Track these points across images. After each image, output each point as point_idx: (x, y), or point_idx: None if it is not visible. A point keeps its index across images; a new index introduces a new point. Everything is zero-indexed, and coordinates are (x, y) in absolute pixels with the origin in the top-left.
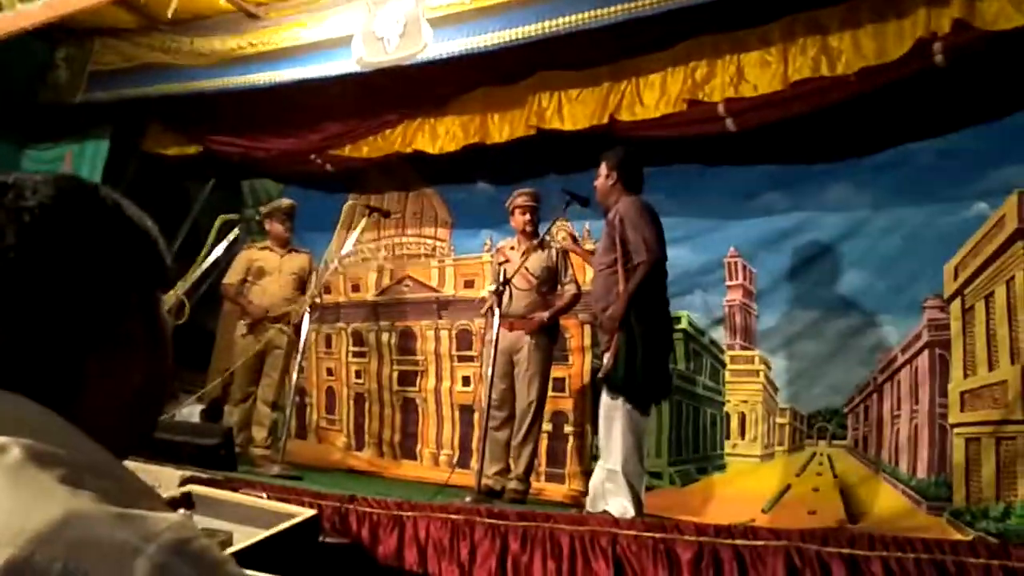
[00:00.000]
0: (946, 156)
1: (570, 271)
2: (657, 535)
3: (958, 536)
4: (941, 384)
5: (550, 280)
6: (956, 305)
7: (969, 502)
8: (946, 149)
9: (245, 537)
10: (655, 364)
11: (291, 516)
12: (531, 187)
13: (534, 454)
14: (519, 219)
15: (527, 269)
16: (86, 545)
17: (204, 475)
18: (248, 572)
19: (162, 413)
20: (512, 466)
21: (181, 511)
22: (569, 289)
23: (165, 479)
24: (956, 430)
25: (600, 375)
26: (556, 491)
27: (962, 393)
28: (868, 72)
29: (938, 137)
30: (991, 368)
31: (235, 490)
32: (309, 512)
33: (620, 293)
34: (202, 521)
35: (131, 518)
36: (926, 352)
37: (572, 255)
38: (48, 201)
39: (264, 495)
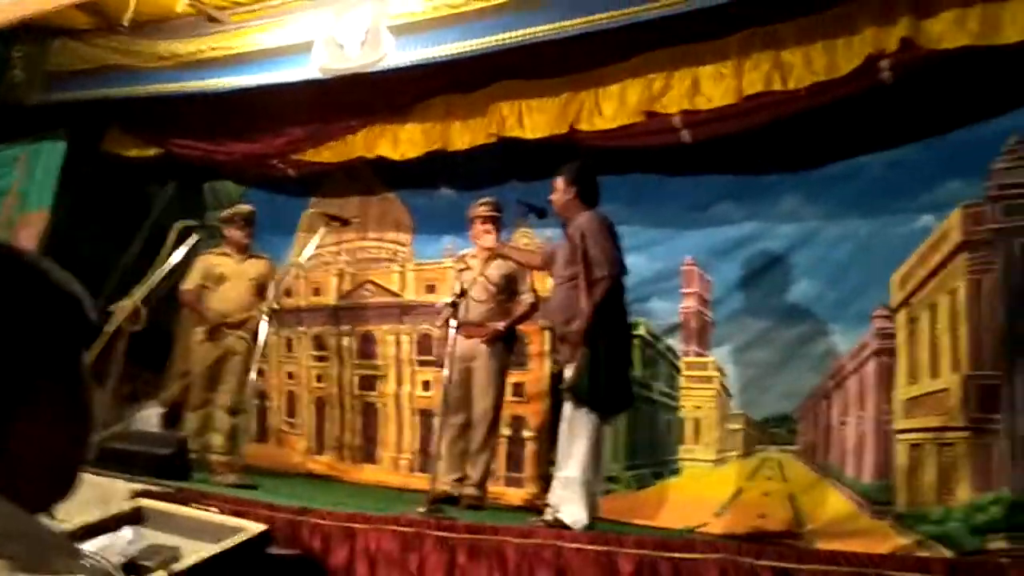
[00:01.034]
0: (894, 169)
1: (528, 280)
2: (600, 547)
3: (901, 539)
4: (887, 392)
5: (509, 289)
6: (902, 315)
7: (911, 506)
8: (894, 162)
9: (195, 552)
10: (618, 375)
11: (241, 530)
12: (493, 194)
13: (490, 461)
14: (478, 229)
15: (486, 278)
16: None
17: (155, 488)
18: None
19: (83, 468)
20: (469, 473)
21: (126, 528)
22: (527, 299)
23: (115, 492)
24: (900, 436)
25: (565, 387)
26: (515, 495)
27: (906, 400)
28: (819, 87)
29: (887, 151)
30: (934, 376)
31: (187, 503)
32: (259, 527)
33: (583, 306)
34: (152, 536)
35: None
36: (873, 360)
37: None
38: None
39: (215, 509)
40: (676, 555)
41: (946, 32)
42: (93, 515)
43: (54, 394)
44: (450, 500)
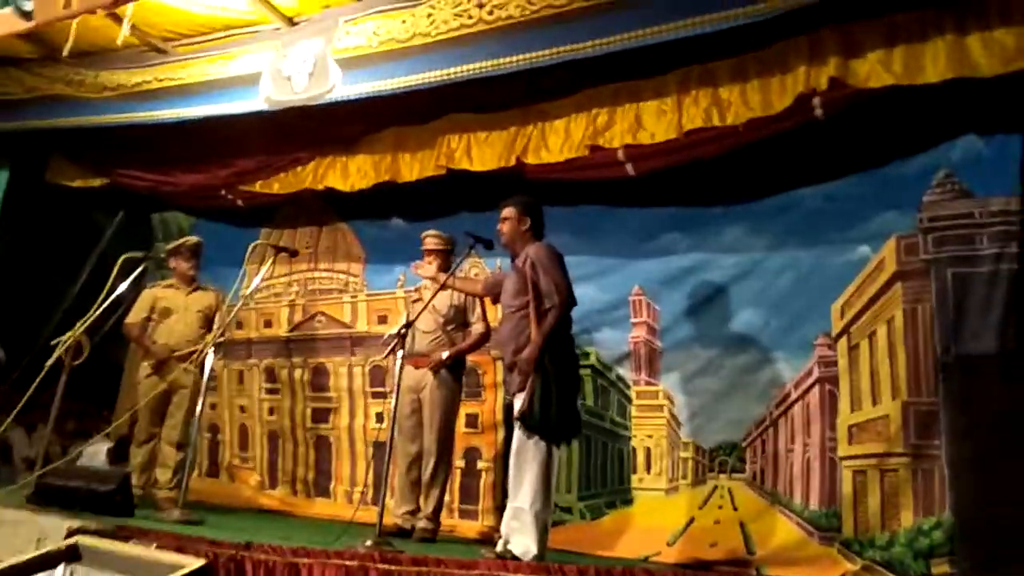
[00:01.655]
0: (831, 202)
1: (478, 310)
2: None
3: (848, 565)
4: (831, 419)
5: (459, 320)
6: (843, 343)
7: (857, 532)
8: (831, 195)
9: None
10: (567, 404)
11: (180, 567)
12: (443, 224)
13: (443, 493)
14: (428, 261)
15: (434, 307)
16: None
17: (93, 525)
18: None
19: None
20: (421, 505)
21: (60, 566)
22: (476, 328)
23: (50, 529)
24: (844, 463)
25: (516, 416)
26: (470, 528)
27: (849, 427)
28: (756, 123)
29: (824, 184)
30: (875, 403)
31: (127, 539)
32: (198, 562)
33: (533, 336)
34: (88, 574)
35: None
36: (817, 388)
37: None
38: None
39: (154, 545)
40: None
41: (872, 72)
42: (27, 553)
43: None
44: (403, 533)
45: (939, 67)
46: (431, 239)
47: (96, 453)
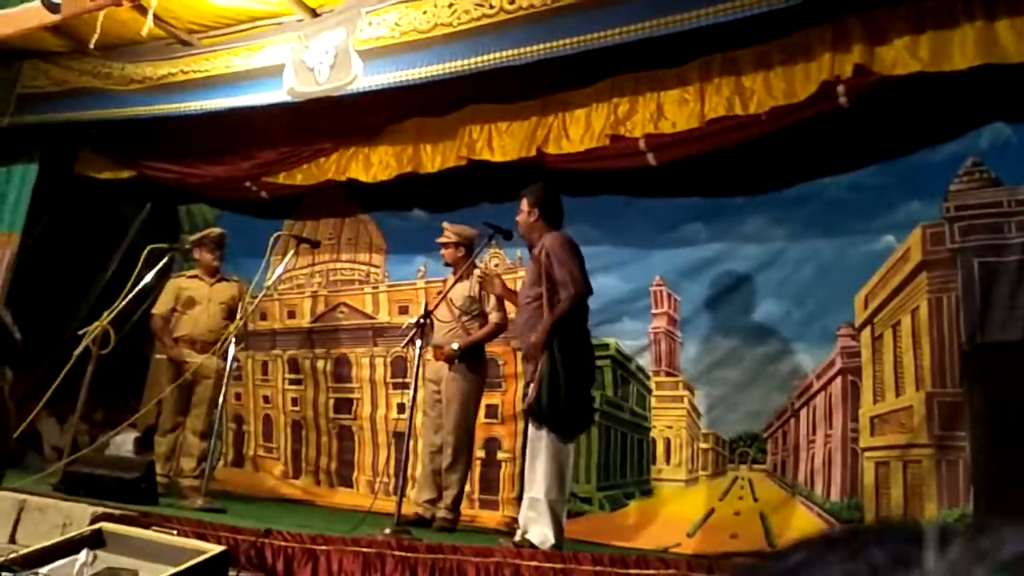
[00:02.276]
0: (855, 191)
1: (493, 301)
2: (557, 565)
3: None
4: (853, 410)
5: (473, 310)
6: (866, 333)
7: None
8: (855, 184)
9: (153, 574)
10: (577, 395)
11: (200, 552)
12: (465, 215)
13: (462, 483)
14: (444, 253)
15: (450, 299)
16: None
17: (116, 511)
18: None
19: None
20: (443, 494)
21: (84, 551)
22: (493, 318)
23: (76, 515)
24: (866, 454)
25: (524, 406)
26: (490, 518)
27: (872, 418)
28: (778, 111)
29: (848, 173)
30: (898, 394)
31: (149, 526)
32: (218, 548)
33: (544, 321)
34: (110, 559)
35: None
36: (839, 379)
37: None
38: None
39: (175, 531)
40: (631, 571)
41: (899, 59)
42: (53, 538)
43: None
44: (423, 522)
45: (967, 53)
46: (447, 233)
47: (123, 442)
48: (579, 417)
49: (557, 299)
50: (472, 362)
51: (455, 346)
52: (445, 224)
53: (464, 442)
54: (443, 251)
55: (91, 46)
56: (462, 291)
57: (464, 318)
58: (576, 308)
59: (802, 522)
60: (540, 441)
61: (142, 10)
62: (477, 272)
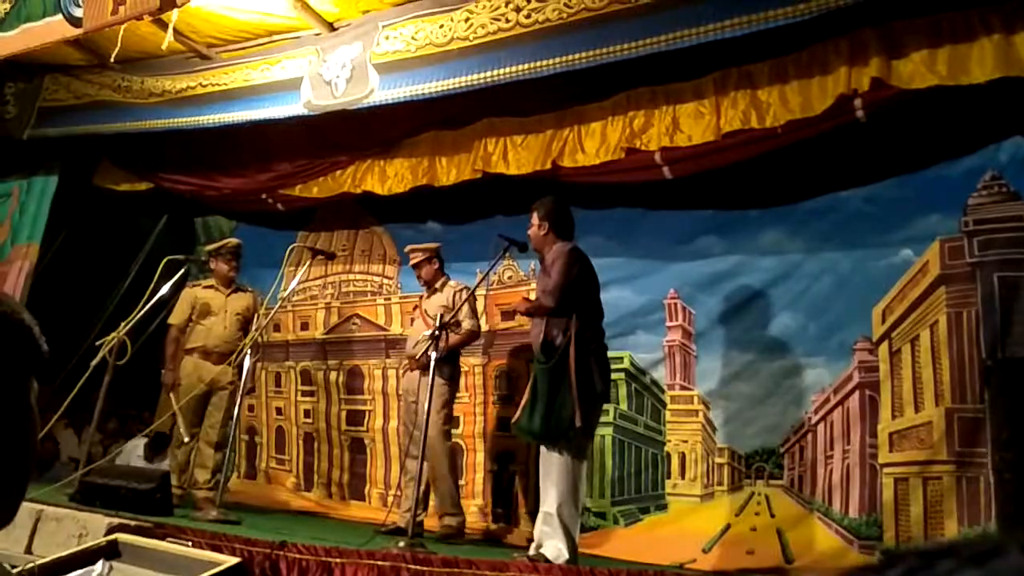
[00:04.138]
0: (873, 204)
1: (466, 308)
2: None
3: None
4: (871, 425)
5: (449, 320)
6: (884, 348)
7: (899, 541)
8: (873, 197)
9: None
10: (555, 411)
11: (215, 564)
12: (478, 227)
13: (454, 493)
14: (420, 274)
15: (426, 312)
16: None
17: (132, 522)
18: None
19: (23, 491)
20: (437, 507)
21: (99, 562)
22: (465, 325)
23: (92, 526)
24: (885, 470)
25: (512, 423)
26: (505, 532)
27: (891, 434)
28: (794, 125)
29: (865, 186)
30: (917, 410)
31: (164, 537)
32: (233, 560)
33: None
34: (126, 570)
35: None
36: (857, 393)
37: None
38: None
39: (190, 543)
40: None
41: (916, 72)
42: (69, 548)
43: None
44: (400, 532)
45: (986, 67)
46: (412, 253)
47: (135, 448)
48: (554, 430)
49: (536, 302)
50: (446, 368)
51: (432, 353)
52: (408, 248)
53: (436, 451)
54: (419, 272)
55: (112, 60)
56: (436, 302)
57: (437, 329)
58: (562, 324)
59: (820, 539)
60: (552, 456)
61: (162, 24)
62: (452, 284)
